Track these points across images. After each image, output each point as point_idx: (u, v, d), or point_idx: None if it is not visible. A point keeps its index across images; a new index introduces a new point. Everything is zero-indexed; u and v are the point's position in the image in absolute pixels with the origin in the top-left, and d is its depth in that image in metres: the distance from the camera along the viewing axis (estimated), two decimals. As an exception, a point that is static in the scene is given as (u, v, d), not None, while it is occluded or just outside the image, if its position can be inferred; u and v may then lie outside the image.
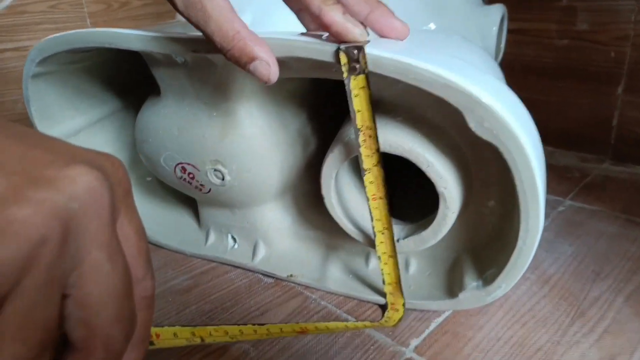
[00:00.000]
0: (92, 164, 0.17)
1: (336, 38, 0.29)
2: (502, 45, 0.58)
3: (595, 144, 0.68)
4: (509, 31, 0.66)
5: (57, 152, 0.17)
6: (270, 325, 0.33)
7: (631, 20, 0.61)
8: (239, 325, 0.32)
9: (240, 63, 0.28)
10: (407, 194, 0.45)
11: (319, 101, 0.44)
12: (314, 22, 0.31)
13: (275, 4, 0.35)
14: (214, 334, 0.29)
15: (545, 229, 0.46)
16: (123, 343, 0.18)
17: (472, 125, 0.28)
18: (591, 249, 0.47)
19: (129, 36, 0.35)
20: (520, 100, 0.30)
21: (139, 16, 0.83)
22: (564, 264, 0.45)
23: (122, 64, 0.48)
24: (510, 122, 0.27)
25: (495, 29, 0.55)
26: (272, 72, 0.28)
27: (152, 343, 0.25)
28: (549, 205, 0.56)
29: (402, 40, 0.31)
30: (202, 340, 0.29)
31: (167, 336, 0.25)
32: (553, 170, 0.64)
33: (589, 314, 0.38)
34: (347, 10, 0.29)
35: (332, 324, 0.36)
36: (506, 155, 0.28)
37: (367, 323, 0.38)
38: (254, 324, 0.33)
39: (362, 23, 0.30)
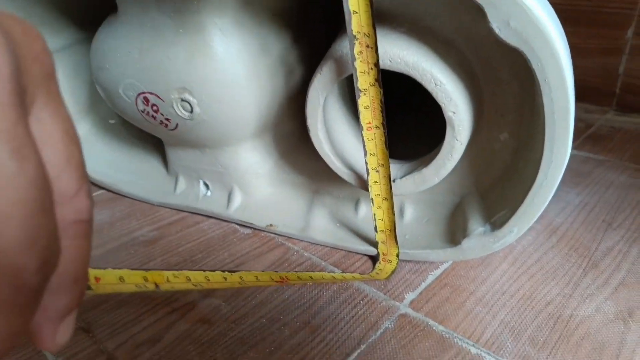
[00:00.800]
0: None
1: None
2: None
3: (599, 94, 0.64)
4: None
5: None
6: (244, 273, 0.28)
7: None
8: (205, 271, 0.26)
9: None
10: (405, 130, 0.39)
11: (306, 23, 0.38)
12: None
13: None
14: (172, 280, 0.24)
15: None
16: (37, 278, 0.12)
17: (495, 25, 0.22)
18: (601, 198, 0.43)
19: None
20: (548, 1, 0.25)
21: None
22: (572, 214, 0.41)
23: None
24: (544, 21, 0.22)
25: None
26: None
27: (89, 287, 0.20)
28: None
29: None
30: (157, 286, 0.23)
31: (111, 280, 0.20)
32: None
33: (602, 266, 0.34)
34: None
35: (316, 274, 0.32)
36: (535, 65, 0.23)
37: (356, 275, 0.33)
38: (223, 271, 0.27)
39: None
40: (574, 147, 0.53)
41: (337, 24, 0.34)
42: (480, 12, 0.23)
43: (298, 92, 0.37)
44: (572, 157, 0.51)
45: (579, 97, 0.66)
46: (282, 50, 0.36)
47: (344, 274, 0.33)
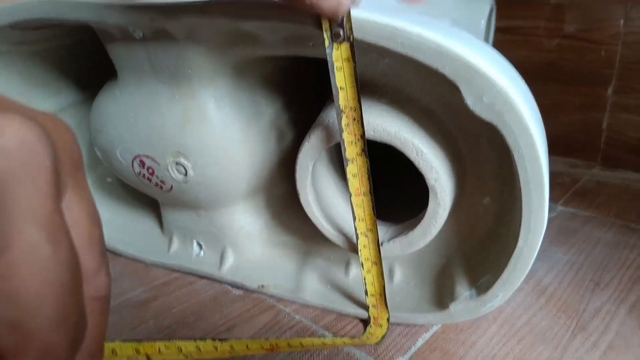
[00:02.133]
0: (30, 117, 0.13)
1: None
2: (490, 40, 0.56)
3: (585, 149, 0.66)
4: (498, 30, 0.63)
5: None
6: (235, 342, 0.28)
7: (622, 17, 0.58)
8: (196, 340, 0.27)
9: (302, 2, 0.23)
10: (392, 194, 0.40)
11: (296, 88, 0.40)
12: None
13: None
14: (164, 352, 0.24)
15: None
16: (68, 353, 0.13)
17: (470, 101, 0.24)
18: (588, 256, 0.44)
19: (78, 5, 0.31)
20: (521, 77, 0.27)
21: None
22: (560, 273, 0.41)
23: (79, 50, 0.44)
24: (514, 97, 0.23)
25: (483, 22, 0.52)
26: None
27: None
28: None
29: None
30: (148, 358, 0.23)
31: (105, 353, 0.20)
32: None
33: (591, 327, 0.34)
34: None
35: (306, 340, 0.32)
36: (508, 138, 0.24)
37: (346, 339, 0.33)
38: (214, 339, 0.27)
39: None
40: (561, 203, 0.54)
41: (326, 90, 0.35)
42: (456, 88, 0.24)
43: (289, 155, 0.38)
44: (560, 214, 0.52)
45: (565, 152, 0.68)
46: (273, 115, 0.37)
47: (335, 339, 0.33)
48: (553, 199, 0.56)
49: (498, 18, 0.60)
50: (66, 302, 0.13)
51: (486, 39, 0.54)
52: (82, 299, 0.14)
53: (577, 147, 0.67)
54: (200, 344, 0.27)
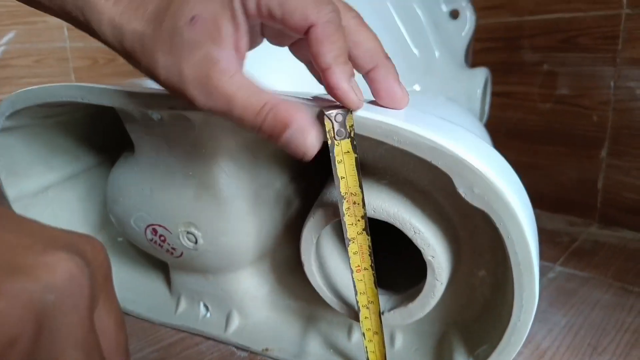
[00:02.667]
0: (73, 248, 0.16)
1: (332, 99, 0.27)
2: (487, 108, 0.59)
3: (582, 208, 0.68)
4: (494, 94, 0.67)
5: (35, 235, 0.16)
6: None
7: (611, 86, 0.62)
8: None
9: (274, 137, 0.25)
10: (394, 258, 0.42)
11: (301, 161, 0.42)
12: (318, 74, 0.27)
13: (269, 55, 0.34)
14: None
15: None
16: None
17: (462, 190, 0.26)
18: (586, 319, 0.45)
19: (102, 91, 0.34)
20: (509, 165, 0.29)
21: (126, 72, 0.82)
22: (558, 337, 0.42)
23: (99, 119, 0.46)
24: (502, 188, 0.25)
25: (479, 91, 0.55)
26: (308, 143, 0.25)
27: None
28: (539, 271, 0.54)
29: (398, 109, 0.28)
30: None
31: None
32: (541, 234, 0.62)
33: (589, 395, 0.35)
34: (353, 56, 0.26)
35: None
36: (498, 224, 0.26)
37: None
38: None
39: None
40: (560, 263, 0.56)
41: (326, 163, 0.38)
42: (450, 177, 0.26)
43: (295, 222, 0.40)
44: (559, 274, 0.53)
45: (563, 210, 0.70)
46: (280, 186, 0.40)
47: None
48: (552, 258, 0.57)
49: (494, 83, 0.63)
50: None
51: (483, 107, 0.57)
52: None
53: (575, 205, 0.68)
54: None
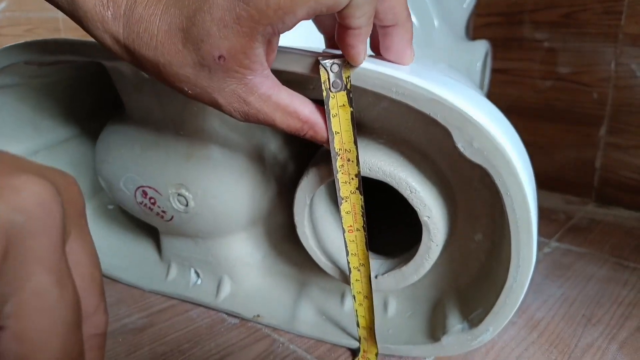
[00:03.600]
0: (42, 175, 0.15)
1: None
2: (486, 82, 0.58)
3: (579, 187, 0.67)
4: (494, 70, 0.66)
5: (3, 161, 0.15)
6: None
7: (612, 62, 0.61)
8: None
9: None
10: (389, 226, 0.41)
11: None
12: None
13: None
14: None
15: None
16: None
17: (460, 145, 0.25)
18: (581, 292, 0.44)
19: (92, 45, 0.33)
20: (510, 123, 0.28)
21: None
22: (553, 308, 0.42)
23: (89, 84, 0.45)
24: (502, 142, 0.24)
25: (479, 64, 0.54)
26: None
27: None
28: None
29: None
30: None
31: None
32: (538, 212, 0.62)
33: (582, 364, 0.35)
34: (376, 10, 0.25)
35: None
36: (497, 180, 0.25)
37: None
38: None
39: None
40: (556, 239, 0.55)
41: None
42: (448, 132, 0.26)
43: (289, 187, 0.40)
44: (555, 249, 0.53)
45: (560, 188, 0.69)
46: (274, 149, 0.39)
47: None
48: (548, 234, 0.56)
49: (494, 60, 0.62)
50: (68, 339, 0.15)
51: (482, 80, 0.56)
52: (82, 336, 0.16)
53: (572, 184, 0.68)
54: None
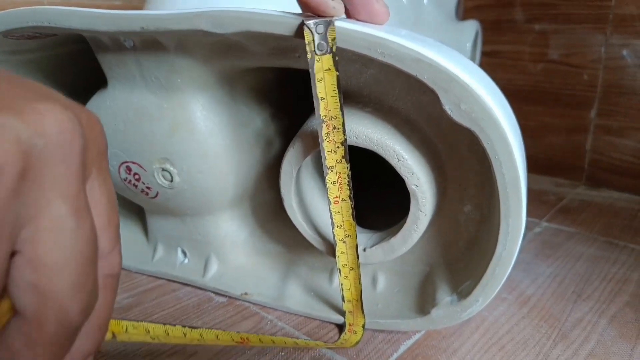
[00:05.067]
0: (68, 107, 0.15)
1: (307, 10, 0.25)
2: (476, 62, 0.57)
3: (569, 169, 0.67)
4: (484, 53, 0.65)
5: (28, 88, 0.15)
6: (204, 330, 0.29)
7: (602, 44, 0.61)
8: (165, 324, 0.27)
9: None
10: (377, 202, 0.41)
11: (285, 99, 0.40)
12: None
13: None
14: (130, 331, 0.25)
15: (522, 250, 0.43)
16: (80, 319, 0.15)
17: (448, 108, 0.25)
18: (571, 270, 0.44)
19: (70, 13, 0.32)
20: (498, 87, 0.28)
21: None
22: (543, 285, 0.42)
23: (72, 60, 0.44)
24: (490, 104, 0.24)
25: (469, 45, 0.53)
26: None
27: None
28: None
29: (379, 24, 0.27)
30: (114, 336, 0.24)
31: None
32: (528, 194, 0.61)
33: (572, 336, 0.35)
34: None
35: (278, 338, 0.31)
36: (485, 143, 0.25)
37: (319, 342, 0.33)
38: (184, 326, 0.28)
39: None
40: (546, 220, 0.55)
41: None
42: (436, 95, 0.25)
43: (276, 163, 0.39)
44: (545, 229, 0.53)
45: (551, 171, 0.69)
46: (261, 124, 0.38)
47: (308, 341, 0.33)
48: (538, 215, 0.56)
49: (484, 42, 0.62)
50: (83, 271, 0.15)
51: (472, 60, 0.55)
52: (97, 272, 0.16)
53: (562, 167, 0.68)
54: (169, 328, 0.27)
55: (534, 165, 0.69)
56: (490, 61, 0.70)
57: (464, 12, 0.70)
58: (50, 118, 0.14)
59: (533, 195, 0.62)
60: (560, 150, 0.67)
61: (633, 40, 0.58)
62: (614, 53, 0.60)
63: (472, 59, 0.56)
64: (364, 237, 0.34)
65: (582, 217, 0.56)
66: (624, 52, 0.59)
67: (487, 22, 0.68)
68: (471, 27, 0.55)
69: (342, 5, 0.25)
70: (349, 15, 0.27)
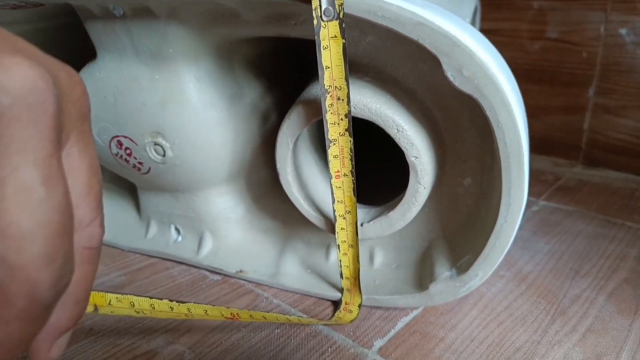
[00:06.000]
0: (42, 64, 0.14)
1: None
2: (474, 38, 0.56)
3: (567, 148, 0.67)
4: (482, 31, 0.64)
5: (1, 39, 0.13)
6: (192, 305, 0.28)
7: (602, 21, 0.60)
8: (151, 298, 0.26)
9: None
10: (376, 177, 0.40)
11: (280, 72, 0.39)
12: None
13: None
14: (114, 304, 0.24)
15: (520, 228, 0.42)
16: (51, 294, 0.14)
17: (450, 74, 0.24)
18: (569, 247, 0.44)
19: (56, -22, 0.30)
20: (500, 54, 0.27)
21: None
22: (541, 262, 0.41)
23: (60, 33, 0.43)
24: (493, 70, 0.23)
25: (468, 20, 0.52)
26: None
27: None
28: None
29: None
30: (96, 309, 0.23)
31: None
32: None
33: (570, 312, 0.34)
34: None
35: (270, 315, 0.31)
36: (488, 111, 0.24)
37: (312, 319, 0.33)
38: (171, 300, 0.27)
39: None
40: (544, 199, 0.55)
41: (310, 72, 0.35)
42: (437, 62, 0.24)
43: (271, 139, 0.38)
44: (543, 208, 0.52)
45: (548, 151, 0.69)
46: (256, 98, 0.37)
47: (301, 318, 0.33)
48: (536, 194, 0.56)
49: (482, 20, 0.61)
50: (54, 243, 0.14)
51: (470, 34, 0.54)
52: (71, 244, 0.15)
53: (560, 146, 0.67)
54: (156, 302, 0.26)
55: (531, 145, 0.69)
56: (490, 39, 0.69)
57: (462, -11, 0.69)
58: (18, 74, 0.13)
59: (531, 175, 0.62)
60: (558, 129, 0.67)
61: (633, 18, 0.57)
62: (614, 30, 0.59)
63: (471, 35, 0.55)
64: (361, 212, 0.33)
65: (580, 195, 0.56)
66: (622, 31, 0.58)
67: (485, -1, 0.67)
68: (470, 3, 0.54)
69: None
70: None
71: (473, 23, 0.54)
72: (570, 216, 0.50)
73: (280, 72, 0.39)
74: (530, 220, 0.49)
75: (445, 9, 0.52)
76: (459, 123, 0.30)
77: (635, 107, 0.60)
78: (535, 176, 0.62)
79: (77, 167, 0.15)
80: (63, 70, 0.15)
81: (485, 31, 0.67)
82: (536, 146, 0.69)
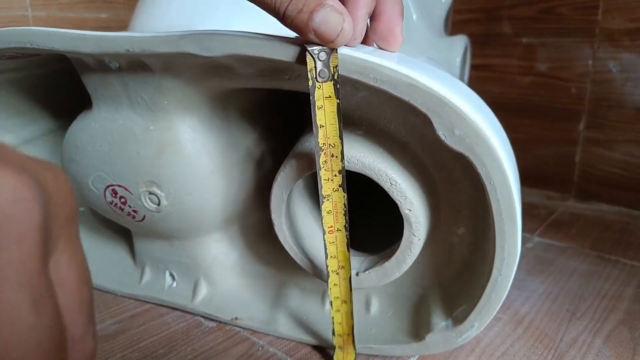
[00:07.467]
0: (26, 170, 0.13)
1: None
2: (466, 77, 0.57)
3: (559, 182, 0.67)
4: (473, 67, 0.65)
5: None
6: None
7: (590, 57, 0.61)
8: None
9: (303, 21, 0.23)
10: (370, 225, 0.40)
11: (274, 119, 0.40)
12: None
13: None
14: None
15: (515, 266, 0.42)
16: None
17: (441, 133, 0.24)
18: (564, 286, 0.44)
19: (52, 34, 0.31)
20: (490, 110, 0.27)
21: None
22: (537, 303, 0.41)
23: (56, 79, 0.43)
24: (484, 129, 0.23)
25: (458, 59, 0.53)
26: (346, 24, 0.22)
27: None
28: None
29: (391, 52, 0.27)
30: None
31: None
32: (518, 208, 0.61)
33: (568, 358, 0.34)
34: None
35: None
36: (480, 169, 0.24)
37: None
38: None
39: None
40: (537, 234, 0.55)
41: (304, 117, 0.35)
42: (428, 120, 0.25)
43: (265, 184, 0.38)
44: (537, 245, 0.53)
45: (541, 184, 0.69)
46: (250, 145, 0.37)
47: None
48: (529, 230, 0.56)
49: (473, 56, 0.62)
50: None
51: (462, 76, 0.55)
52: None
53: (552, 180, 0.68)
54: None
55: (523, 178, 0.69)
56: (479, 74, 0.70)
57: (452, 27, 0.70)
58: (1, 188, 0.12)
59: (524, 209, 0.62)
60: (550, 163, 0.67)
61: (620, 54, 0.59)
62: (602, 66, 0.60)
63: (462, 73, 0.56)
64: (356, 261, 0.33)
65: (573, 231, 0.56)
66: (611, 65, 0.59)
67: (475, 35, 0.68)
68: (460, 42, 0.55)
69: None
70: (366, 41, 0.27)
71: (464, 61, 0.55)
72: (564, 253, 0.50)
73: (276, 119, 0.40)
74: (524, 257, 0.49)
75: (437, 49, 0.54)
76: (452, 174, 0.30)
77: (625, 141, 0.60)
78: (528, 210, 0.62)
79: (66, 277, 0.15)
80: (48, 171, 0.14)
81: (475, 67, 0.69)
82: (529, 180, 0.70)
